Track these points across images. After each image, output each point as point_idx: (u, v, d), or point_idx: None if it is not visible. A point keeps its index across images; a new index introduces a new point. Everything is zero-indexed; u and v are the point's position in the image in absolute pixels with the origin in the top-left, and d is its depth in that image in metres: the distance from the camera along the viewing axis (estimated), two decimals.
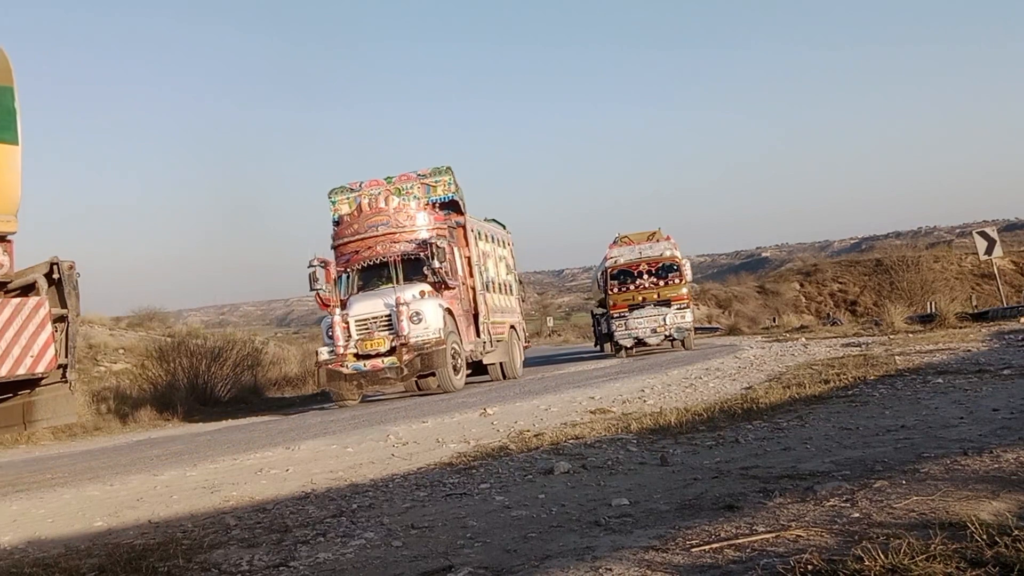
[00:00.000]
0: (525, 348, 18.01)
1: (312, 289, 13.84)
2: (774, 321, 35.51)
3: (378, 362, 12.63)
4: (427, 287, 13.28)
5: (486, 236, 16.09)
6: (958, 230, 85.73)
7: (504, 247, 17.53)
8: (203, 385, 16.87)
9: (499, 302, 16.01)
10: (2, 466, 8.94)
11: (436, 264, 13.17)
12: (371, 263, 13.90)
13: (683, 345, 20.37)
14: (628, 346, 20.00)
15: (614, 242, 21.52)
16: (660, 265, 20.38)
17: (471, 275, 14.67)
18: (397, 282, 13.57)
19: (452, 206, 14.90)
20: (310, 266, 13.79)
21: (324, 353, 13.03)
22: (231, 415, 14.90)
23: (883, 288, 41.84)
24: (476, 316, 14.52)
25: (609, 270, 20.59)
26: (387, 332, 12.71)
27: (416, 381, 14.55)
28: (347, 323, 12.90)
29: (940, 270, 44.70)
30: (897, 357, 8.96)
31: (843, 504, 2.97)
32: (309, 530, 3.58)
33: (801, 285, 55.44)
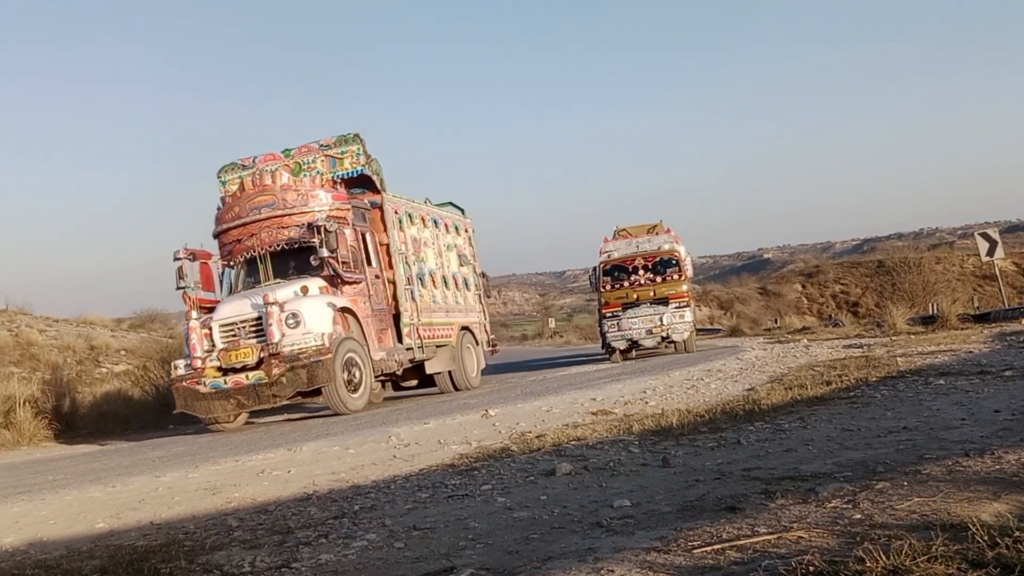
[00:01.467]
0: (492, 352, 15.75)
1: (178, 288, 11.53)
2: (776, 322, 35.52)
3: (241, 378, 10.13)
4: (321, 282, 10.90)
5: (422, 220, 13.31)
6: (960, 231, 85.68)
7: (458, 235, 14.88)
8: None
9: (442, 299, 13.39)
10: (3, 467, 8.96)
11: (325, 253, 10.64)
12: (256, 254, 11.34)
13: (683, 347, 18.04)
14: (621, 348, 17.98)
15: (612, 236, 19.66)
16: (658, 260, 18.35)
17: (390, 267, 12.00)
18: (287, 277, 11.16)
19: (365, 183, 12.22)
20: (175, 259, 11.61)
21: (180, 367, 10.68)
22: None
23: (885, 289, 41.88)
24: (398, 317, 11.89)
25: (602, 266, 18.61)
26: (256, 340, 10.31)
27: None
28: (210, 329, 10.61)
29: (942, 271, 44.69)
30: (899, 358, 8.95)
31: (845, 505, 2.97)
32: (311, 531, 3.59)
33: (803, 286, 55.46)
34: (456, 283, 14.25)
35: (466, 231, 15.37)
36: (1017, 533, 2.27)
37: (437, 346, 12.83)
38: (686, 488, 3.66)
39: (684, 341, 17.87)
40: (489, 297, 16.10)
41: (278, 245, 11.20)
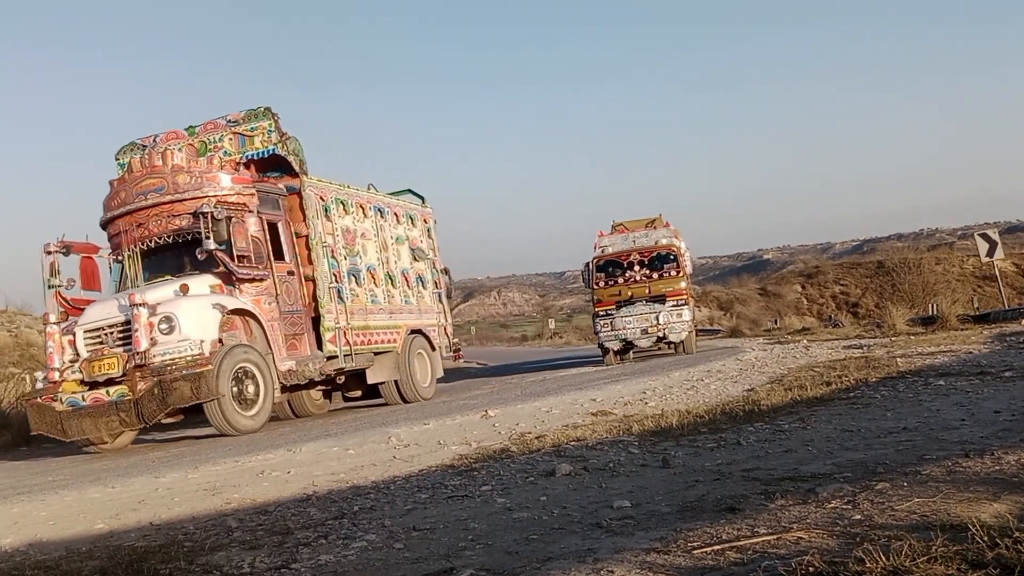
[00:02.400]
0: (455, 358, 14.17)
1: (49, 287, 9.90)
2: (776, 323, 35.52)
3: (102, 394, 8.65)
4: (213, 280, 9.38)
5: (361, 209, 11.53)
6: (960, 232, 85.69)
7: (413, 226, 13.03)
8: None
9: (384, 299, 11.64)
10: (3, 468, 8.95)
11: (212, 245, 9.03)
12: (143, 247, 9.76)
13: (682, 348, 17.06)
14: (616, 349, 16.83)
15: (610, 231, 18.50)
16: (655, 255, 17.17)
17: (310, 261, 10.28)
18: (183, 274, 9.54)
19: (283, 165, 10.52)
20: (47, 253, 9.95)
21: (39, 379, 9.24)
22: None
23: (885, 290, 41.88)
24: (319, 319, 10.21)
25: (595, 261, 17.39)
26: (123, 348, 8.81)
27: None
28: (74, 335, 9.16)
29: (942, 272, 44.70)
30: (899, 359, 8.96)
31: (845, 506, 2.97)
32: (311, 532, 3.59)
33: (803, 287, 55.49)
34: (407, 280, 12.48)
35: (424, 222, 13.49)
36: (1017, 534, 2.27)
37: (376, 352, 11.29)
38: (686, 489, 3.67)
39: (682, 342, 16.83)
40: (451, 298, 14.29)
41: (167, 236, 9.62)
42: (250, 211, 9.76)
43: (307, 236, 10.32)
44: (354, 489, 4.56)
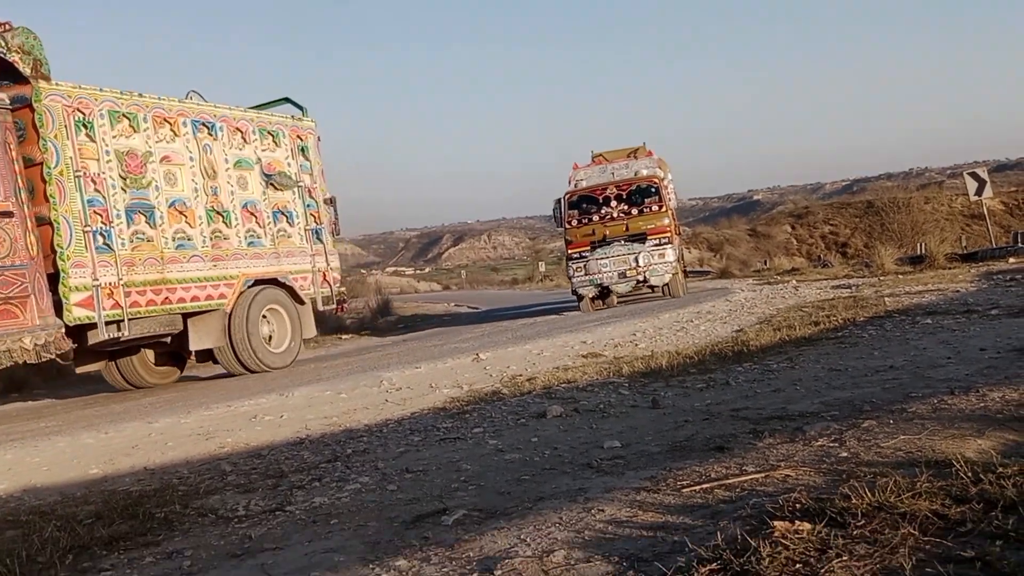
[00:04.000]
0: (338, 311, 11.76)
1: None
2: (765, 264, 35.61)
3: None
4: None
5: (159, 124, 8.95)
6: (949, 171, 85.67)
7: (276, 146, 10.41)
8: None
9: (204, 242, 9.24)
10: None
11: None
12: None
13: (667, 292, 15.34)
14: (590, 296, 14.95)
15: (590, 162, 16.52)
16: (634, 188, 15.26)
17: (46, 198, 7.86)
18: None
19: (7, 72, 7.91)
20: None
21: None
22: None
23: (874, 230, 41.94)
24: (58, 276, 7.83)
25: (567, 197, 15.43)
26: None
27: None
28: None
29: (930, 211, 44.71)
30: (886, 298, 9.01)
31: (831, 444, 3.01)
32: (304, 475, 3.63)
33: (792, 228, 55.50)
34: (256, 216, 9.99)
35: (298, 139, 10.74)
36: (1000, 469, 2.30)
37: (187, 314, 9.06)
38: (675, 429, 3.71)
39: (667, 285, 15.06)
40: (338, 235, 11.47)
41: None
42: None
43: (42, 162, 7.88)
44: (347, 432, 4.59)
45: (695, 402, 4.29)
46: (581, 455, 3.41)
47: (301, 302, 10.37)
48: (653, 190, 15.22)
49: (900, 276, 13.99)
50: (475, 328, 14.19)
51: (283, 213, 10.38)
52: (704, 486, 2.65)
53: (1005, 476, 2.25)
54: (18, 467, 4.64)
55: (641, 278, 14.74)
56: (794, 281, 17.33)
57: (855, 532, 2.03)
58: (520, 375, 6.13)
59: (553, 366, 6.49)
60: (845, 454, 2.85)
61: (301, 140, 10.80)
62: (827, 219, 55.22)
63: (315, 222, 10.84)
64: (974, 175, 18.59)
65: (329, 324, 17.74)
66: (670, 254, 14.75)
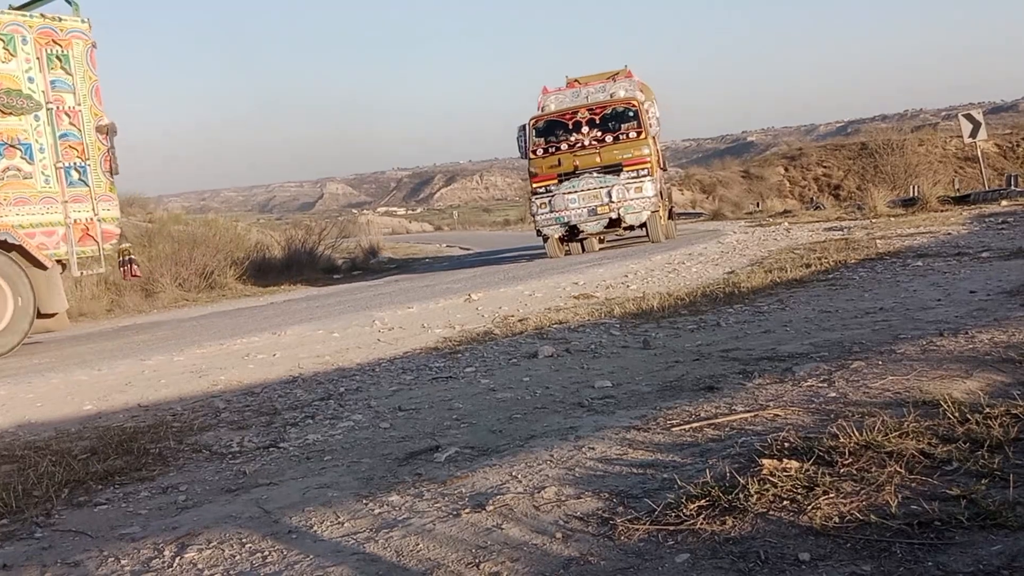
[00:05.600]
0: (130, 276, 9.00)
1: None
2: (758, 206, 35.55)
3: None
4: None
5: None
6: (944, 113, 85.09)
7: (10, 55, 7.99)
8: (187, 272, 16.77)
9: None
10: None
11: None
12: None
13: (648, 234, 13.15)
14: (556, 236, 13.01)
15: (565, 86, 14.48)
16: (608, 112, 13.24)
17: None
18: None
19: None
20: None
21: None
22: (215, 300, 14.93)
23: (867, 172, 41.79)
24: None
25: (532, 123, 13.34)
26: None
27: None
28: None
29: (924, 153, 44.53)
30: (878, 241, 9.02)
31: (820, 384, 3.04)
32: (298, 413, 3.65)
33: (785, 169, 55.24)
34: None
35: (52, 45, 8.27)
36: (987, 409, 2.33)
37: None
38: (666, 369, 3.73)
39: (644, 224, 12.97)
40: (116, 174, 8.74)
41: None
42: None
43: None
44: (340, 371, 4.61)
45: (686, 343, 4.31)
46: (572, 394, 3.43)
47: (41, 266, 7.95)
48: (631, 114, 13.19)
49: (892, 218, 13.99)
50: (467, 269, 14.17)
51: (12, 146, 7.98)
52: (694, 425, 2.68)
53: (992, 416, 2.28)
54: (12, 403, 4.66)
55: (614, 215, 12.80)
56: (786, 223, 17.30)
57: (842, 470, 2.06)
58: (512, 315, 6.14)
59: (545, 307, 6.50)
60: (834, 394, 2.87)
61: (59, 47, 8.32)
62: (820, 161, 54.96)
63: (77, 157, 8.35)
64: (969, 116, 18.45)
65: (319, 265, 17.75)
66: (649, 188, 12.76)
